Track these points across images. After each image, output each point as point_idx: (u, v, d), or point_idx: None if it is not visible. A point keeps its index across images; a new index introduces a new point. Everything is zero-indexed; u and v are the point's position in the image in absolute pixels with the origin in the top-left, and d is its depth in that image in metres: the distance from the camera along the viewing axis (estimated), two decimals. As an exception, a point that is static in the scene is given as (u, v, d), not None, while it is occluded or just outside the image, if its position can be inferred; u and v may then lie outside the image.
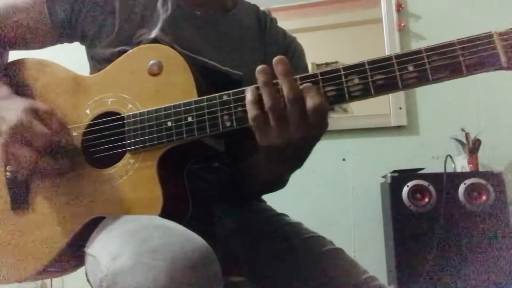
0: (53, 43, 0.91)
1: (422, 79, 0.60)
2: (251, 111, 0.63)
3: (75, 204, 0.74)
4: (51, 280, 2.29)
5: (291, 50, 0.97)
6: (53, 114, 0.74)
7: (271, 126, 0.62)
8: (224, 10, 0.94)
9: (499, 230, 1.78)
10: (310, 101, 0.60)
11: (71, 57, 1.13)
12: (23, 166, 0.71)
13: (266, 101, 0.62)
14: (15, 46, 0.91)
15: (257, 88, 0.64)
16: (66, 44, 0.93)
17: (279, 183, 0.84)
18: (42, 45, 0.91)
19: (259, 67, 0.64)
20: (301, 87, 0.62)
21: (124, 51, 0.80)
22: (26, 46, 0.91)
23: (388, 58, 0.61)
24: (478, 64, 0.58)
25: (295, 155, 0.67)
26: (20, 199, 0.78)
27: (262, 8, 1.01)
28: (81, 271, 0.82)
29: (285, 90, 0.61)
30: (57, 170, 0.74)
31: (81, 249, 0.71)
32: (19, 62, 0.87)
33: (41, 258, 0.74)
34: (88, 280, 0.75)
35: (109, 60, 0.82)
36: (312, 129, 0.62)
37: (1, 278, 0.76)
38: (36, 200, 0.77)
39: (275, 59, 0.63)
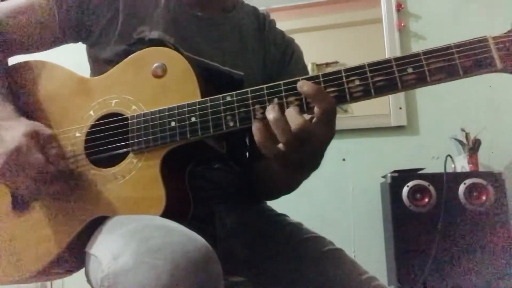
0: (59, 43, 0.90)
1: (421, 81, 0.62)
2: (265, 150, 0.63)
3: (77, 203, 0.74)
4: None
5: (290, 51, 0.98)
6: (53, 140, 0.73)
7: (285, 150, 0.63)
8: (225, 11, 0.94)
9: (499, 230, 1.78)
10: (320, 105, 0.61)
11: (70, 58, 1.13)
12: (20, 190, 0.71)
13: (279, 136, 0.62)
14: (21, 49, 0.89)
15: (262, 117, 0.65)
16: (65, 46, 0.93)
17: (297, 185, 0.84)
18: (48, 46, 0.90)
19: (269, 107, 0.64)
20: (310, 91, 0.62)
21: (127, 51, 0.81)
22: (31, 48, 0.89)
23: (388, 61, 0.63)
24: (474, 67, 0.60)
25: (311, 161, 0.68)
26: (21, 199, 0.78)
27: (262, 8, 1.02)
28: (81, 272, 0.82)
29: (292, 127, 0.61)
30: (56, 194, 0.74)
31: (82, 249, 0.71)
32: (23, 65, 0.87)
33: (42, 258, 0.74)
34: (88, 281, 0.75)
35: (112, 60, 0.82)
36: (324, 132, 0.63)
37: (2, 278, 0.76)
38: (38, 200, 0.77)
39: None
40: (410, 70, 0.62)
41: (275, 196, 0.93)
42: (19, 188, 0.71)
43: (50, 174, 0.71)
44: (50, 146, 0.72)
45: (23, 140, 0.70)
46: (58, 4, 0.85)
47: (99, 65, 0.87)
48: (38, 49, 0.90)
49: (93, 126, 0.78)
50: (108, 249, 0.58)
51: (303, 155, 0.64)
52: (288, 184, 0.84)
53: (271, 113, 0.63)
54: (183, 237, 0.56)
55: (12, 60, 0.90)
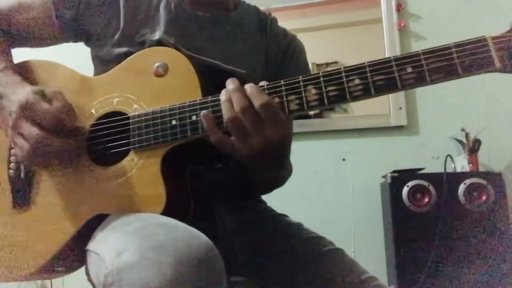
0: (57, 41, 0.91)
1: (420, 80, 0.62)
2: (227, 113, 0.67)
3: (77, 201, 0.75)
4: (51, 280, 2.29)
5: (291, 48, 0.98)
6: (59, 94, 0.74)
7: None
8: (226, 11, 0.95)
9: (499, 230, 1.78)
10: (257, 101, 0.65)
11: (71, 57, 1.13)
12: (32, 145, 0.71)
13: (236, 106, 0.66)
14: (19, 43, 0.91)
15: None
16: (65, 44, 0.94)
17: (274, 183, 0.90)
18: (47, 43, 0.91)
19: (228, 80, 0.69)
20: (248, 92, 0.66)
21: (130, 53, 0.81)
22: (30, 43, 0.91)
23: (388, 61, 0.63)
24: (473, 66, 0.61)
25: (268, 159, 0.72)
26: (22, 196, 0.78)
27: (262, 8, 1.02)
28: (81, 271, 0.82)
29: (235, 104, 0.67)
30: (65, 151, 0.74)
31: (82, 247, 0.71)
32: (25, 64, 0.88)
33: (42, 255, 0.74)
34: (88, 279, 0.76)
35: (114, 61, 0.83)
36: (268, 129, 0.65)
37: (2, 275, 0.76)
38: (38, 198, 0.78)
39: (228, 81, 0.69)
40: (409, 70, 0.62)
41: (262, 192, 0.98)
42: (34, 145, 0.71)
43: (61, 125, 0.72)
44: (57, 100, 0.73)
45: (30, 95, 0.72)
46: (56, 6, 0.86)
47: (103, 66, 0.88)
48: (39, 45, 0.91)
49: (94, 124, 0.79)
50: (111, 246, 0.59)
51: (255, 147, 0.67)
52: (265, 182, 0.89)
53: (230, 85, 0.68)
54: (186, 234, 0.56)
55: (15, 60, 0.90)
